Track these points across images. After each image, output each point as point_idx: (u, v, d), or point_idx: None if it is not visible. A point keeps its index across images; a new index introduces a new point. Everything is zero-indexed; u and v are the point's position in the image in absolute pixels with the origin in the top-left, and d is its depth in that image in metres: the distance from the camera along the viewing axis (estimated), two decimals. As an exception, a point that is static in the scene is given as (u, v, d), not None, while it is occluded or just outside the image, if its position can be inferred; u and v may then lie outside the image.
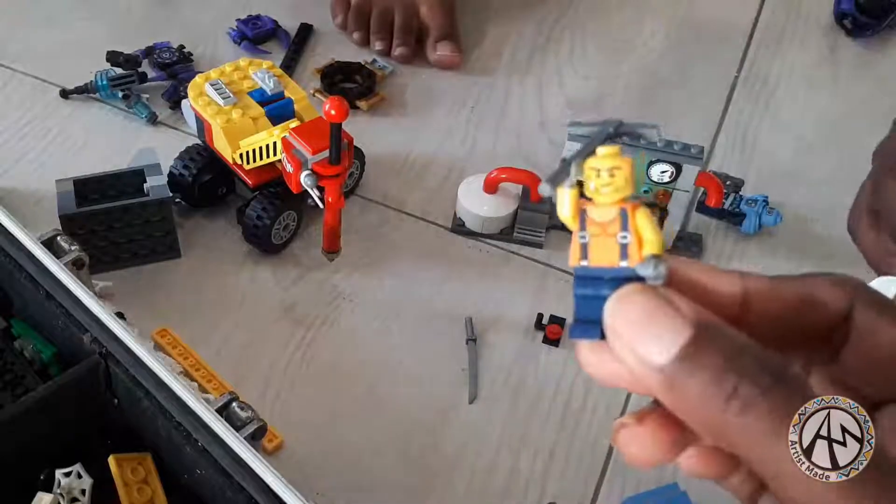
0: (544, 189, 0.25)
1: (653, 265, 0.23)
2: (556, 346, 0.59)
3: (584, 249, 0.24)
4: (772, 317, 0.25)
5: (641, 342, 0.22)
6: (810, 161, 0.75)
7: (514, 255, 0.65)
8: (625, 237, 0.23)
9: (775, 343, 0.23)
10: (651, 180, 0.62)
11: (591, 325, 0.24)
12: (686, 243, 0.66)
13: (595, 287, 0.24)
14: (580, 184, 0.25)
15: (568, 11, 0.89)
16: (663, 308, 0.22)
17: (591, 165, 0.24)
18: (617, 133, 0.24)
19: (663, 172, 0.61)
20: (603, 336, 0.23)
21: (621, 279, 0.23)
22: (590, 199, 0.24)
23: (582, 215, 0.24)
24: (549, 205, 0.65)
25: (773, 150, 0.76)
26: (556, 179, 0.24)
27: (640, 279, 0.23)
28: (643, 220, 0.23)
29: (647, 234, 0.23)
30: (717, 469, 0.25)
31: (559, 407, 0.56)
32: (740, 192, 0.69)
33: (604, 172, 0.24)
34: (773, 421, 0.21)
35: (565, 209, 0.24)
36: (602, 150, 0.24)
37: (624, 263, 0.23)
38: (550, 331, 0.59)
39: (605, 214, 0.24)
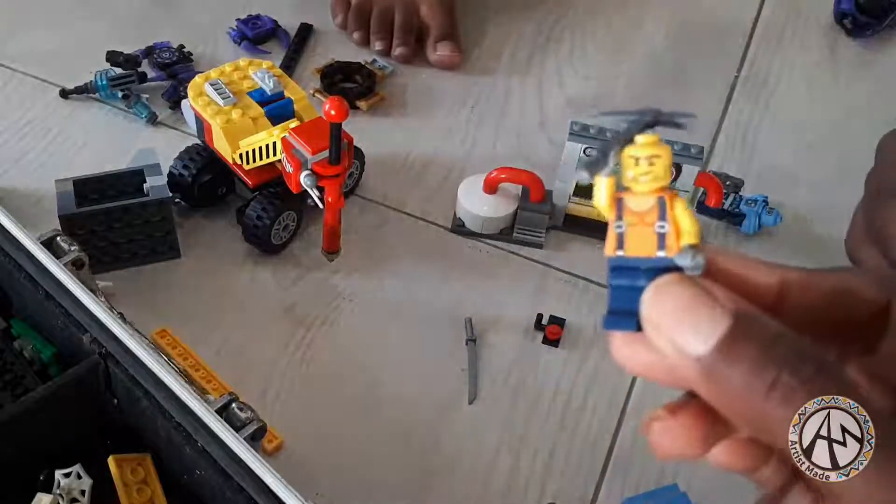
0: (581, 177, 0.25)
1: (691, 255, 0.23)
2: (556, 346, 0.59)
3: (621, 239, 0.24)
4: (808, 307, 0.25)
5: (680, 332, 0.22)
6: (810, 161, 0.75)
7: (513, 256, 0.65)
8: (662, 227, 0.23)
9: (810, 333, 0.23)
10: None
11: (626, 315, 0.24)
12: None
13: (631, 277, 0.24)
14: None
15: (568, 11, 0.89)
16: (702, 298, 0.22)
17: (630, 154, 0.24)
18: (654, 122, 0.24)
19: (663, 172, 0.61)
20: (639, 327, 0.23)
21: (659, 269, 0.23)
22: (627, 189, 0.24)
23: (618, 204, 0.24)
24: (549, 205, 0.65)
25: (773, 150, 0.76)
26: (595, 168, 0.24)
27: (677, 269, 0.23)
28: (681, 210, 0.23)
29: (686, 224, 0.23)
30: (749, 462, 0.25)
31: (559, 407, 0.56)
32: (740, 193, 0.68)
33: (643, 161, 0.23)
34: None
35: (602, 198, 0.24)
36: (641, 139, 0.24)
37: (661, 253, 0.23)
38: (550, 331, 0.59)
39: (642, 204, 0.24)
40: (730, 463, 0.25)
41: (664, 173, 0.23)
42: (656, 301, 0.23)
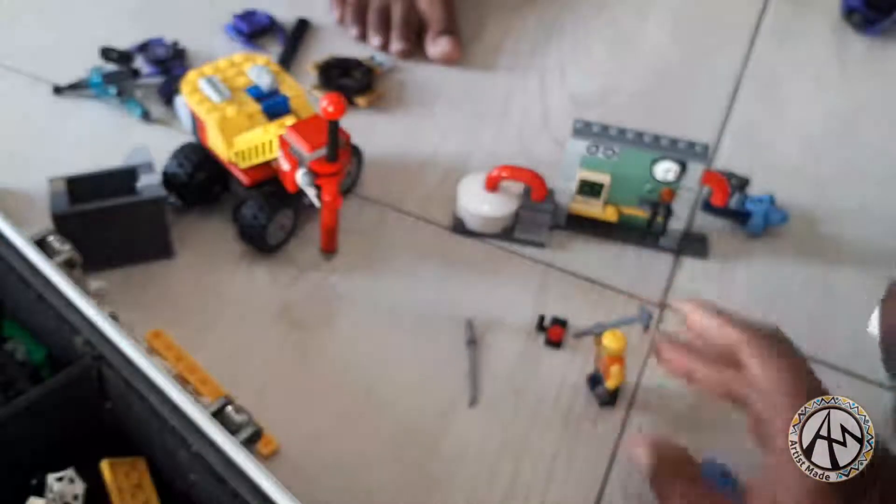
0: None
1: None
2: (559, 348, 0.58)
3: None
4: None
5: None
6: (818, 158, 0.74)
7: (515, 256, 0.64)
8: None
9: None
10: (656, 178, 0.61)
11: None
12: (690, 243, 0.65)
13: None
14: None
15: (571, 5, 0.88)
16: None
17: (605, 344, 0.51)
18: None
19: (668, 171, 0.60)
20: None
21: None
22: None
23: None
24: (552, 204, 0.65)
25: (780, 147, 0.75)
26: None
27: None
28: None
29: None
30: None
31: (561, 411, 0.55)
32: (746, 191, 0.68)
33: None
34: None
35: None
36: (612, 338, 0.49)
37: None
38: (552, 333, 0.58)
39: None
40: None
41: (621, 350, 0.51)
42: None
